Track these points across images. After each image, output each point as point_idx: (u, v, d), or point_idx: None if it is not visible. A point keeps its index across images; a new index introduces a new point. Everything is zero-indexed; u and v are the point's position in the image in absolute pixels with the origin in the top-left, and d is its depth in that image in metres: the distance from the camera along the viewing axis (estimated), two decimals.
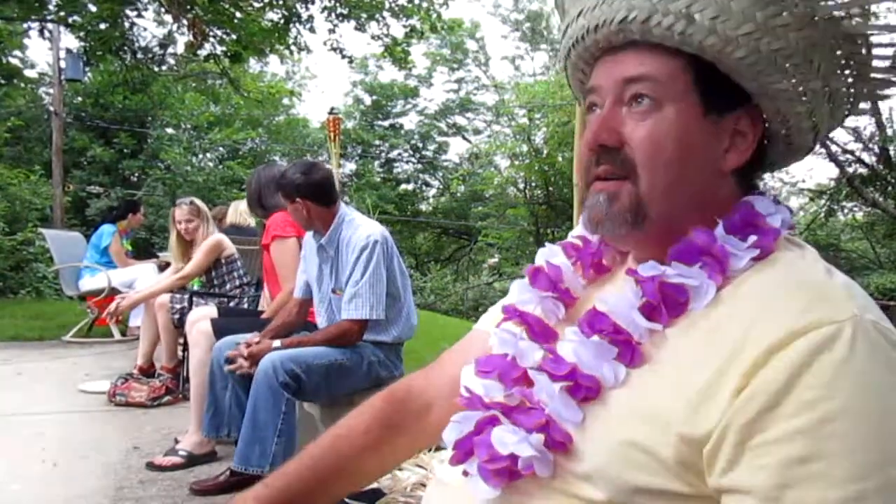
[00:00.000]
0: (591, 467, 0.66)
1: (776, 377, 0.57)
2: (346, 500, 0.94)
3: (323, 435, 0.89)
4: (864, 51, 0.68)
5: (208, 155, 17.24)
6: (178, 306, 3.57)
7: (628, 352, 0.67)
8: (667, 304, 0.67)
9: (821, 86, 0.68)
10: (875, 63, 0.70)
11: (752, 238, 0.67)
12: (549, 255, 0.83)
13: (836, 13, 0.66)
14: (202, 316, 3.02)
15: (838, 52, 0.67)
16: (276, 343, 2.38)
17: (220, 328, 2.85)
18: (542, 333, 0.77)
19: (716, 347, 0.62)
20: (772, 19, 0.64)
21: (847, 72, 0.69)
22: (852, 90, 0.70)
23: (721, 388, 0.59)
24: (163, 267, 5.94)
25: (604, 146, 0.70)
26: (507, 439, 0.68)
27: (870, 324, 0.59)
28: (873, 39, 0.69)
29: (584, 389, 0.68)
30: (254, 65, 17.64)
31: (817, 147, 0.76)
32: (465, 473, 0.73)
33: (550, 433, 0.68)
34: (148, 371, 3.91)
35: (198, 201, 4.02)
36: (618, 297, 0.70)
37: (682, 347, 0.65)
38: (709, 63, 0.67)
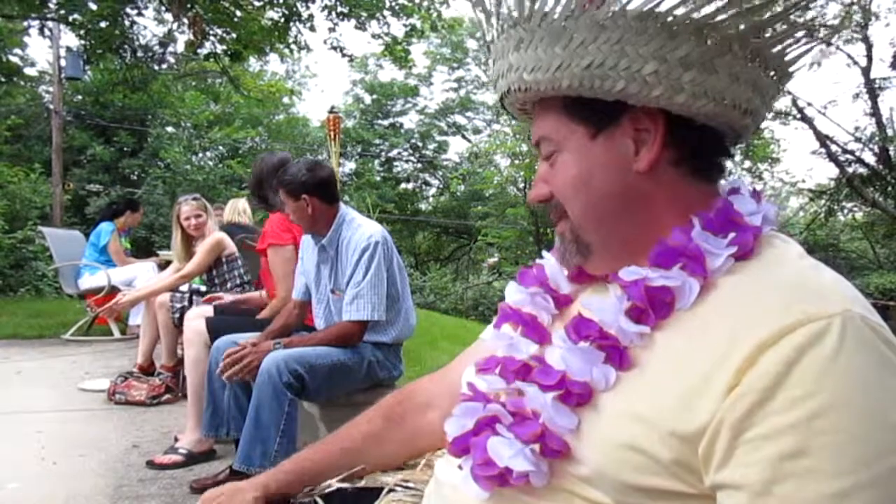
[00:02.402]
0: (590, 471, 0.67)
1: (766, 374, 0.58)
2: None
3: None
4: (677, 11, 0.68)
5: (208, 154, 17.22)
6: (178, 305, 3.56)
7: (616, 355, 0.68)
8: (653, 306, 0.68)
9: (658, 64, 0.67)
10: (708, 8, 0.69)
11: (731, 235, 0.68)
12: (543, 260, 0.88)
13: (614, 8, 0.69)
14: (197, 315, 3.02)
15: (648, 32, 0.68)
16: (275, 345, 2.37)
17: (216, 326, 2.85)
18: (535, 330, 0.79)
19: (704, 346, 0.63)
20: (569, 46, 0.70)
21: (679, 37, 0.68)
22: (709, 42, 0.69)
23: (712, 386, 0.60)
24: (162, 266, 5.94)
25: (541, 200, 0.80)
26: (503, 451, 0.71)
27: (859, 318, 0.59)
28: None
29: (575, 396, 0.69)
30: (254, 63, 17.64)
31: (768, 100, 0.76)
32: (460, 468, 0.77)
33: (546, 442, 0.69)
34: (148, 370, 3.91)
35: (201, 197, 4.02)
36: (603, 302, 0.72)
37: (671, 347, 0.66)
38: (572, 97, 0.73)
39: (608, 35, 0.68)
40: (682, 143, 0.72)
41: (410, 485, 0.94)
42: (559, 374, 0.71)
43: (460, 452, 0.77)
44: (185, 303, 3.57)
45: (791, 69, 0.74)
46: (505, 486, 0.71)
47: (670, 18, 0.68)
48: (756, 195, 0.74)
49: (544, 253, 0.89)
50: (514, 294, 0.85)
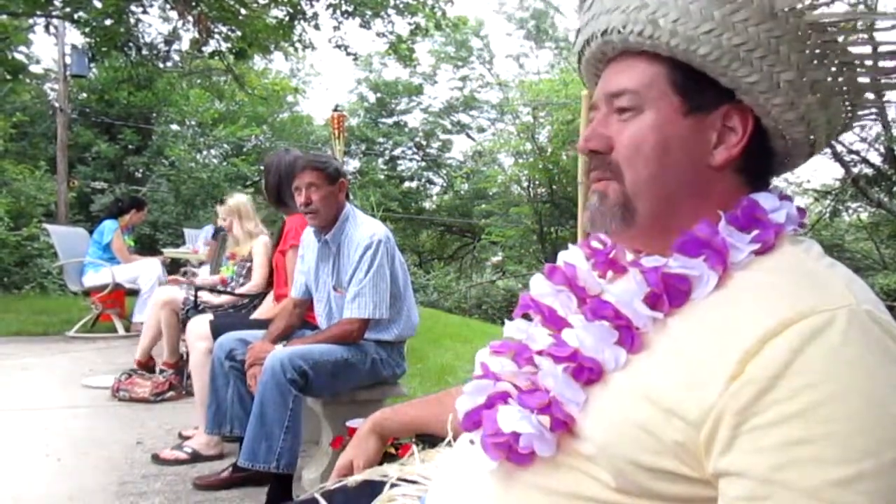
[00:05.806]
0: (595, 448, 0.68)
1: (770, 363, 0.58)
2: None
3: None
4: (839, 38, 0.69)
5: (212, 151, 17.22)
6: (187, 307, 3.58)
7: (629, 336, 0.69)
8: (669, 294, 0.69)
9: (796, 76, 0.68)
10: (859, 49, 0.70)
11: (755, 232, 0.69)
12: (569, 255, 0.86)
13: (798, 5, 0.67)
14: (200, 319, 3.04)
15: (808, 42, 0.68)
16: (279, 347, 2.38)
17: (219, 328, 2.86)
18: (553, 321, 0.80)
19: (713, 335, 0.64)
20: (730, 16, 0.67)
21: (826, 62, 0.69)
22: (840, 79, 0.70)
23: (717, 373, 0.61)
24: (166, 263, 5.96)
25: (593, 151, 0.76)
26: (510, 416, 0.72)
27: (864, 313, 0.60)
28: (855, 29, 0.70)
29: (586, 371, 0.71)
30: (258, 62, 17.64)
31: (825, 146, 0.77)
32: (472, 442, 0.79)
33: (554, 413, 0.71)
34: (146, 365, 3.92)
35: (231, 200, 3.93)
36: (623, 288, 0.73)
37: (683, 334, 0.67)
38: (686, 65, 0.70)
39: (773, 24, 0.67)
40: (752, 152, 0.72)
41: (412, 478, 0.95)
42: (572, 349, 0.72)
43: (472, 427, 0.78)
44: (192, 298, 3.58)
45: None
46: (512, 454, 0.72)
47: (832, 42, 0.67)
48: (783, 196, 0.74)
49: (570, 246, 0.88)
50: (539, 287, 0.84)
